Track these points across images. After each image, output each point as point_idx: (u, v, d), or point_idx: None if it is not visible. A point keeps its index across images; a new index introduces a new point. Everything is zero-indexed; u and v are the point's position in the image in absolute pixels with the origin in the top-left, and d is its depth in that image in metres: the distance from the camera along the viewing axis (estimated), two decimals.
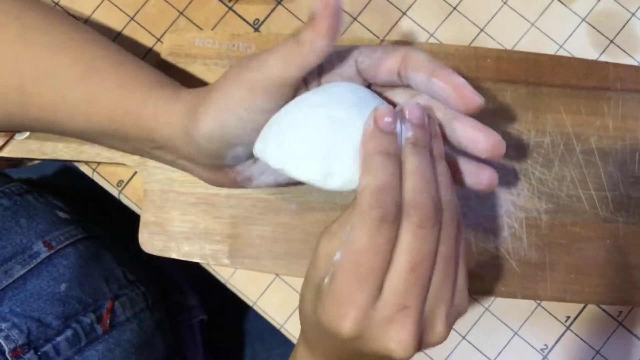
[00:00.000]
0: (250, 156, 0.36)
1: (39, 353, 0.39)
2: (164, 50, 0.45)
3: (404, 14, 0.47)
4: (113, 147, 0.40)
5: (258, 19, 0.46)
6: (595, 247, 0.43)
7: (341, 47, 0.35)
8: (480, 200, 0.43)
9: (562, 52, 0.46)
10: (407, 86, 0.34)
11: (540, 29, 0.47)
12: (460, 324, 0.44)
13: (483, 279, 0.43)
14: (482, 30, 0.46)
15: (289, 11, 0.46)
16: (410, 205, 0.29)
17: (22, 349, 0.39)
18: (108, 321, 0.43)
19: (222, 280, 0.44)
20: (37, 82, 0.36)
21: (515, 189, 0.43)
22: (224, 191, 0.43)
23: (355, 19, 0.46)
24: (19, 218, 0.43)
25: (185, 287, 0.59)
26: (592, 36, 0.47)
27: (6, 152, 0.44)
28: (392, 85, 0.35)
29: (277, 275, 0.44)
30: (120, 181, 0.45)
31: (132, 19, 0.46)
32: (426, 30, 0.46)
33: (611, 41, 0.47)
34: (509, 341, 0.44)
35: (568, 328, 0.44)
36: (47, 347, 0.40)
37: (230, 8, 0.47)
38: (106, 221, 0.50)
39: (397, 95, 0.35)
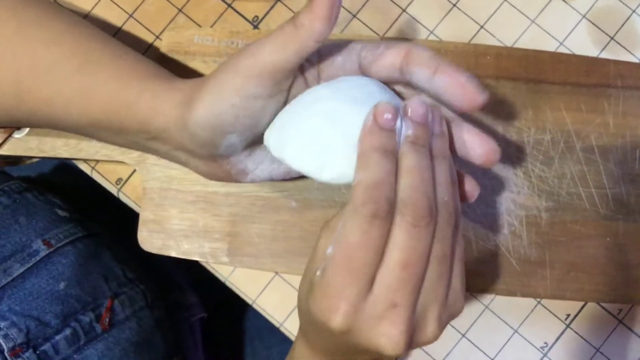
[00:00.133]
0: (245, 147, 0.35)
1: (37, 352, 0.39)
2: (163, 47, 0.45)
3: (404, 10, 0.46)
4: (109, 141, 0.39)
5: (257, 16, 0.46)
6: (595, 245, 0.43)
7: (342, 40, 0.34)
8: (480, 198, 0.43)
9: (562, 49, 0.46)
10: (407, 84, 0.34)
11: (541, 25, 0.46)
12: (460, 322, 0.44)
13: (483, 277, 0.43)
14: (482, 27, 0.46)
15: (288, 8, 0.46)
16: (404, 203, 0.29)
17: (21, 348, 0.39)
18: (107, 320, 0.43)
19: (221, 279, 0.44)
20: (33, 76, 0.36)
21: (515, 186, 0.43)
22: (223, 189, 0.43)
23: (354, 16, 0.46)
24: (18, 216, 0.43)
25: (185, 285, 0.59)
26: (593, 33, 0.46)
27: (4, 150, 0.43)
28: (392, 82, 0.35)
29: (276, 273, 0.44)
30: (119, 179, 0.45)
31: (130, 16, 0.46)
32: (426, 27, 0.46)
33: (612, 38, 0.46)
34: (509, 339, 0.44)
35: (568, 326, 0.44)
36: (46, 346, 0.40)
37: (229, 5, 0.46)
38: (105, 219, 0.50)
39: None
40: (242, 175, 0.37)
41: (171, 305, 0.55)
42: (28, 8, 0.37)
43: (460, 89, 0.31)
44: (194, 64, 0.44)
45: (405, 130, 0.31)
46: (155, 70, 0.37)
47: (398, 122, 0.31)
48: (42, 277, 0.41)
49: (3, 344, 0.38)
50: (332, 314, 0.29)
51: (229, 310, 0.61)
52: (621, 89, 0.44)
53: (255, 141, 0.35)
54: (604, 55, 0.46)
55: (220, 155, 0.35)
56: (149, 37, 0.46)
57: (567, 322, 0.44)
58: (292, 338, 0.43)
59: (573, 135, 0.44)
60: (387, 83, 0.35)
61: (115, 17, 0.46)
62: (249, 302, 0.44)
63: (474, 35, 0.46)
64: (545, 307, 0.44)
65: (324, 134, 0.32)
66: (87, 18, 0.46)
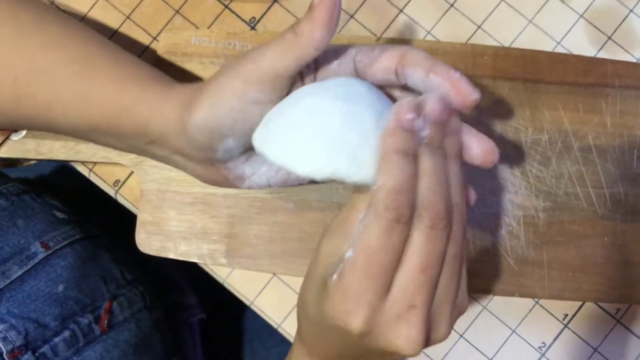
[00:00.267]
0: (242, 153, 0.36)
1: (36, 354, 0.39)
2: (160, 48, 0.45)
3: (401, 11, 0.46)
4: (107, 145, 0.40)
5: (254, 17, 0.46)
6: (593, 245, 0.43)
7: (339, 45, 0.34)
8: (477, 199, 0.43)
9: (559, 49, 0.46)
10: (404, 86, 0.34)
11: (538, 25, 0.46)
12: (458, 323, 0.44)
13: (481, 277, 0.43)
14: (479, 27, 0.46)
15: (285, 9, 0.46)
16: (423, 207, 0.29)
17: (20, 350, 0.39)
18: (106, 321, 0.43)
19: (220, 280, 0.44)
20: (31, 80, 0.36)
21: (512, 186, 0.43)
22: (221, 191, 0.43)
23: (352, 16, 0.46)
24: (16, 218, 0.43)
25: (184, 285, 0.59)
26: (590, 33, 0.46)
27: (2, 152, 0.43)
28: (388, 86, 0.35)
29: (274, 274, 0.44)
30: (117, 181, 0.45)
31: (127, 17, 0.46)
32: (423, 28, 0.46)
33: (609, 37, 0.46)
34: (507, 339, 0.44)
35: (566, 326, 0.44)
36: (45, 348, 0.40)
37: (226, 6, 0.46)
38: (103, 221, 0.50)
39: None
40: (239, 181, 0.37)
41: (170, 306, 0.55)
42: (26, 11, 0.37)
43: (454, 87, 0.32)
44: (191, 65, 0.44)
45: (422, 129, 0.30)
46: (153, 74, 0.37)
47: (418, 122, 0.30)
48: (41, 280, 0.41)
49: (2, 347, 0.38)
50: (351, 317, 0.29)
51: (227, 311, 0.61)
52: (619, 89, 0.44)
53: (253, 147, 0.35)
54: (602, 54, 0.46)
55: (218, 159, 0.35)
56: (146, 39, 0.46)
57: (565, 322, 0.44)
58: (291, 339, 0.43)
59: (570, 135, 0.44)
60: (384, 87, 0.35)
61: (112, 19, 0.46)
62: (247, 303, 0.44)
63: (472, 36, 0.46)
64: (543, 307, 0.44)
65: (301, 128, 0.31)
66: (84, 20, 0.46)
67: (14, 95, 0.37)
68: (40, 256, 0.42)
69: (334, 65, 0.34)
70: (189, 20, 0.46)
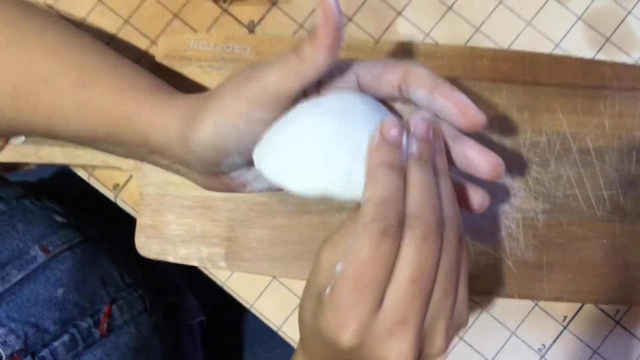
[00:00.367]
0: (246, 164, 0.36)
1: (36, 358, 0.39)
2: (159, 52, 0.45)
3: (399, 14, 0.46)
4: (108, 152, 0.40)
5: (253, 21, 0.46)
6: (592, 247, 0.43)
7: (341, 60, 0.34)
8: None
9: (558, 51, 0.46)
10: (408, 100, 0.34)
11: (536, 27, 0.46)
12: None
13: (480, 280, 0.43)
14: (477, 29, 0.46)
15: (284, 12, 0.46)
16: (413, 218, 0.29)
17: (19, 355, 0.39)
18: (105, 325, 0.43)
19: (219, 283, 0.44)
20: (31, 88, 0.36)
21: (511, 189, 0.43)
22: (220, 194, 0.43)
23: (350, 19, 0.46)
24: (16, 222, 0.43)
25: (184, 287, 0.59)
26: (589, 34, 0.46)
27: (2, 157, 0.44)
28: (393, 100, 0.35)
29: (274, 277, 0.44)
30: (117, 185, 0.45)
31: (126, 21, 0.46)
32: (422, 30, 0.46)
33: (607, 39, 0.46)
34: (507, 341, 0.44)
35: (565, 328, 0.44)
36: (44, 352, 0.40)
37: (225, 10, 0.46)
38: (103, 224, 0.50)
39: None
40: (241, 188, 0.37)
41: (170, 308, 0.55)
42: (26, 18, 0.37)
43: (460, 110, 0.32)
44: (190, 68, 0.44)
45: (410, 146, 0.31)
46: (153, 82, 0.37)
47: (404, 139, 0.31)
48: (40, 284, 0.41)
49: (1, 351, 0.38)
50: (342, 331, 0.29)
51: (228, 313, 0.61)
52: (617, 91, 0.44)
53: None
54: (600, 56, 0.46)
55: (222, 172, 0.36)
56: (144, 43, 0.46)
57: (565, 323, 0.44)
58: (291, 342, 0.44)
59: (569, 137, 0.44)
60: (388, 100, 0.35)
61: (110, 23, 0.46)
62: (247, 306, 0.44)
63: (470, 38, 0.46)
64: (542, 309, 0.44)
65: (296, 147, 0.32)
66: (83, 24, 0.46)
67: (14, 101, 0.37)
68: (40, 260, 0.42)
69: (337, 80, 0.34)
70: (187, 24, 0.46)
